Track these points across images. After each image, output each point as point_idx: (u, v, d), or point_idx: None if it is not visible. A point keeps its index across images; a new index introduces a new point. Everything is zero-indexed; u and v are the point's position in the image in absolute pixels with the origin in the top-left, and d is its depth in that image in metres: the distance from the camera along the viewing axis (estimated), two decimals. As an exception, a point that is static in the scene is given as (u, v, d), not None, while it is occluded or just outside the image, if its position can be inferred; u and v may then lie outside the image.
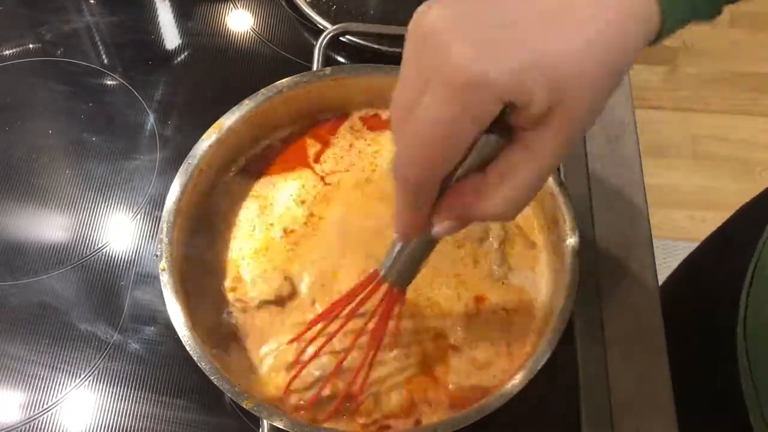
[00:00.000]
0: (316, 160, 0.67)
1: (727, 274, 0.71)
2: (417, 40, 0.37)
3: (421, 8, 0.37)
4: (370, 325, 0.53)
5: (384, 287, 0.51)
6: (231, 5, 0.84)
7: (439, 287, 0.60)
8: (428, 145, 0.36)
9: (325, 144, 0.68)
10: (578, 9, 0.35)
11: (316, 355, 0.55)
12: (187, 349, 0.53)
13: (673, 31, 0.38)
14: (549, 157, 0.38)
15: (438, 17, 0.36)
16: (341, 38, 0.76)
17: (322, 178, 0.66)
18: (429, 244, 0.47)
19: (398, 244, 0.48)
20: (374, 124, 0.69)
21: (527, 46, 0.34)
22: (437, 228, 0.42)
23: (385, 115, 0.69)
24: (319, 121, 0.69)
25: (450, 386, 0.57)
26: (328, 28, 0.75)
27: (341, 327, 0.54)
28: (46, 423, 0.61)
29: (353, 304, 0.53)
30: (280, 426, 0.52)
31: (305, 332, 0.56)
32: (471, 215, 0.41)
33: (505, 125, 0.37)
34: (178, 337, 0.54)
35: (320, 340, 0.55)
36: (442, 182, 0.39)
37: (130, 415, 0.61)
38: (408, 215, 0.41)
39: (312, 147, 0.68)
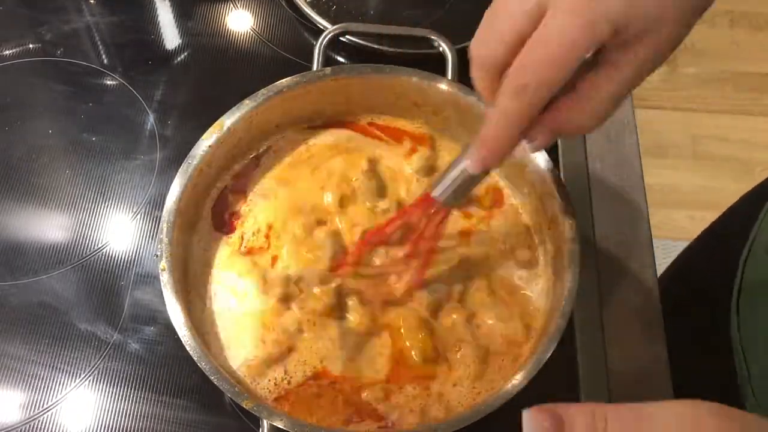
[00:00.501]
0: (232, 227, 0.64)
1: (720, 273, 0.72)
2: None
3: None
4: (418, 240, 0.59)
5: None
6: (231, 5, 0.84)
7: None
8: (557, 58, 0.42)
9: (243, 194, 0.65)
10: None
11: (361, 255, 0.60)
12: (187, 349, 0.53)
13: None
14: (631, 75, 0.44)
15: None
16: (341, 38, 0.76)
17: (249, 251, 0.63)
18: (486, 173, 0.53)
19: (458, 170, 0.52)
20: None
21: None
22: (532, 143, 0.47)
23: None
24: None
25: None
26: (328, 28, 0.75)
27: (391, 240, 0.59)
28: (46, 423, 0.61)
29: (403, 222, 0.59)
30: (280, 426, 0.52)
31: (356, 249, 0.60)
32: (561, 128, 0.47)
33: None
34: (178, 337, 0.54)
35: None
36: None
37: (130, 415, 0.61)
38: (504, 136, 0.47)
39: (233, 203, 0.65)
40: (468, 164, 0.50)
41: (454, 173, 0.53)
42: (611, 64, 0.44)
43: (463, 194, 0.55)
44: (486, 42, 0.47)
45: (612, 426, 0.35)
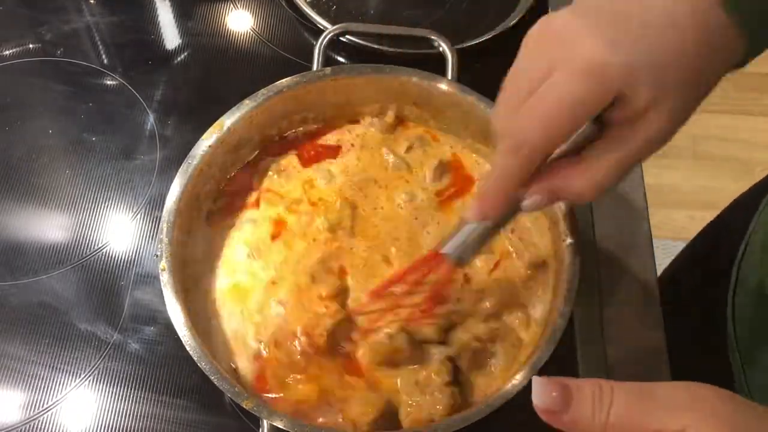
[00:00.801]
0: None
1: (719, 271, 0.72)
2: (544, 38, 0.45)
3: (547, 15, 0.45)
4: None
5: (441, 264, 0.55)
6: (231, 5, 0.84)
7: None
8: (553, 117, 0.43)
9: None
10: (679, 20, 0.42)
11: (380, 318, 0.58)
12: (187, 349, 0.53)
13: (759, 53, 0.45)
14: (634, 150, 0.44)
15: (569, 20, 0.44)
16: (341, 38, 0.76)
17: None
18: (496, 228, 0.53)
19: (469, 226, 0.52)
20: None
21: (643, 47, 0.42)
22: (527, 201, 0.48)
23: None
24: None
25: None
26: (328, 28, 0.75)
27: (399, 298, 0.58)
28: (46, 423, 0.61)
29: (410, 281, 0.57)
30: (280, 426, 0.52)
31: (366, 305, 0.59)
32: (559, 191, 0.47)
33: (600, 119, 0.45)
34: (178, 337, 0.54)
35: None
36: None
37: (130, 415, 0.61)
38: (500, 190, 0.47)
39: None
40: (468, 214, 0.51)
41: (464, 230, 0.53)
42: (616, 137, 0.44)
43: (472, 251, 0.54)
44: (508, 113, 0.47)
45: (618, 398, 0.37)
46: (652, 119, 0.43)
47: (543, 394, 0.38)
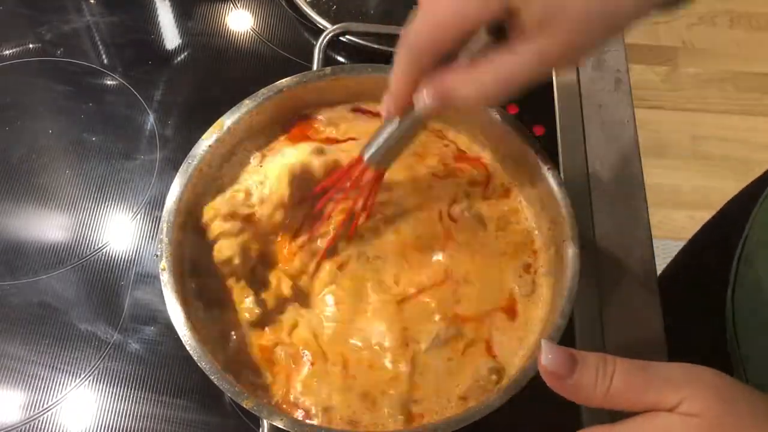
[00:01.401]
0: None
1: (717, 269, 0.72)
2: None
3: None
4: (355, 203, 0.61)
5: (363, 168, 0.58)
6: (231, 5, 0.84)
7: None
8: (438, 20, 0.46)
9: None
10: None
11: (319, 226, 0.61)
12: (187, 349, 0.53)
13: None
14: (525, 65, 0.45)
15: None
16: (341, 38, 0.76)
17: None
18: (410, 129, 0.55)
19: (384, 129, 0.56)
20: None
21: None
22: (416, 96, 0.49)
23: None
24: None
25: None
26: (328, 28, 0.75)
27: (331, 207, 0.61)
28: (46, 423, 0.61)
29: (339, 186, 0.60)
30: (280, 426, 0.52)
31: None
32: (444, 91, 0.48)
33: (499, 33, 0.46)
34: (178, 337, 0.54)
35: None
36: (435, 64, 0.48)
37: (130, 415, 0.61)
38: (399, 87, 0.50)
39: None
40: (383, 114, 0.55)
41: (379, 134, 0.56)
42: (508, 48, 0.45)
43: (390, 153, 0.57)
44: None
45: (619, 371, 0.40)
46: (545, 38, 0.43)
47: (551, 354, 0.40)
